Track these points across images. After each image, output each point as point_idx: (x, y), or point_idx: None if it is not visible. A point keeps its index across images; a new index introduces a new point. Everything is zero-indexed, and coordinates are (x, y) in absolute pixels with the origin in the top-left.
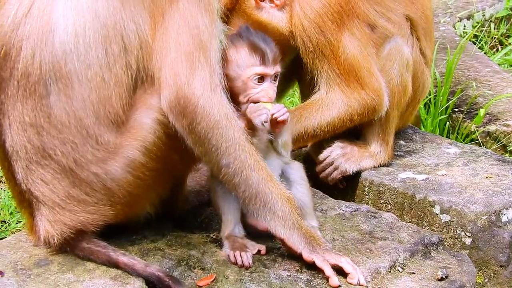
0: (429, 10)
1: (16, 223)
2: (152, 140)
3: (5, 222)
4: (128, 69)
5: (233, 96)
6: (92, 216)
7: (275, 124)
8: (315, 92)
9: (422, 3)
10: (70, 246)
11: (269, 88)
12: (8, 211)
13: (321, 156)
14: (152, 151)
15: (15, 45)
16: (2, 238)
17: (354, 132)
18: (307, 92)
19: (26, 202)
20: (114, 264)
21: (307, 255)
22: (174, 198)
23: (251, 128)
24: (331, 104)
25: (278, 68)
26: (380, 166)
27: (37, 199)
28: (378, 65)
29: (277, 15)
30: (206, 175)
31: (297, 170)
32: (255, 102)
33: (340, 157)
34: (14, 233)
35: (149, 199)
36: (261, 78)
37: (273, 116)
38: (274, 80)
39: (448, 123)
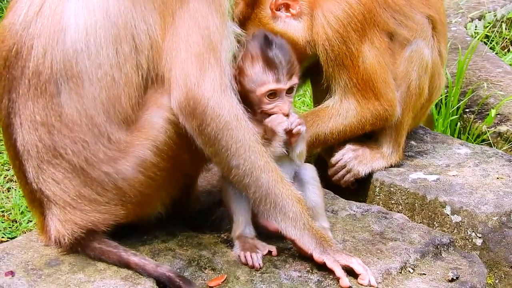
0: (443, 14)
1: (27, 223)
2: (163, 140)
3: (16, 221)
4: (139, 68)
5: (248, 102)
6: (103, 215)
7: (291, 135)
8: (329, 98)
9: (436, 7)
10: (81, 246)
11: (283, 104)
12: (19, 210)
13: (334, 160)
14: (163, 150)
15: (26, 43)
16: (13, 238)
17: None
18: (319, 97)
19: (37, 202)
20: (125, 264)
21: (318, 256)
22: (185, 197)
23: (269, 136)
24: (344, 113)
25: (293, 81)
26: (391, 166)
27: (48, 199)
28: (393, 74)
29: (293, 24)
30: (217, 175)
31: (310, 171)
32: (267, 114)
33: (353, 160)
34: (25, 232)
35: (160, 199)
36: (275, 94)
37: (289, 127)
38: (289, 93)
39: (459, 123)
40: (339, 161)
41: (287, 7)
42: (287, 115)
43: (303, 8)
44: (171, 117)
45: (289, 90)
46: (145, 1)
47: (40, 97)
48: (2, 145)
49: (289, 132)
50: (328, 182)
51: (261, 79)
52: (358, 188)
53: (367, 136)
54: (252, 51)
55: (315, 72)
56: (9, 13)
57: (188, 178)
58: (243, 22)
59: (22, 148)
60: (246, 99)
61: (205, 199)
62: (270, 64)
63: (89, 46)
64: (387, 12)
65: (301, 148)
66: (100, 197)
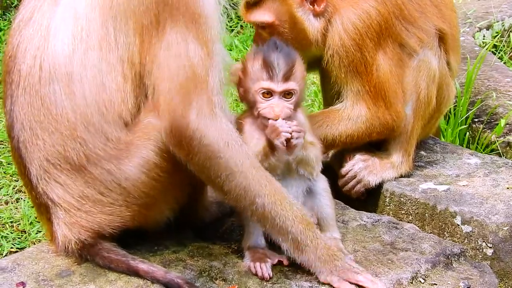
0: (456, 28)
1: (36, 233)
2: (157, 140)
3: (25, 232)
4: (127, 78)
5: (251, 108)
6: (109, 217)
7: (289, 147)
8: (340, 102)
9: (450, 20)
10: (90, 254)
11: (276, 105)
12: (28, 221)
13: (344, 170)
14: (165, 151)
15: (20, 47)
16: (22, 248)
17: (374, 142)
18: (330, 100)
19: (43, 207)
20: (134, 272)
21: (324, 278)
22: (193, 204)
23: (271, 147)
24: (354, 117)
25: (289, 85)
26: (401, 176)
27: (53, 202)
28: (402, 85)
29: (311, 19)
30: None
31: (321, 183)
32: (265, 118)
33: (363, 170)
34: (34, 243)
35: (166, 203)
36: (268, 93)
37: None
38: (287, 98)
39: (468, 133)
40: (349, 171)
41: (313, 1)
42: (277, 118)
43: (327, 10)
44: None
45: (287, 95)
46: (126, 24)
47: (35, 98)
48: (10, 156)
49: (287, 143)
50: (338, 192)
51: (257, 76)
52: (368, 198)
53: (377, 147)
54: (256, 53)
55: (325, 77)
56: (14, 19)
57: (194, 183)
58: None
59: (24, 150)
60: (249, 103)
61: (216, 209)
62: (267, 63)
63: (76, 50)
64: (402, 24)
65: (303, 155)
66: (104, 197)
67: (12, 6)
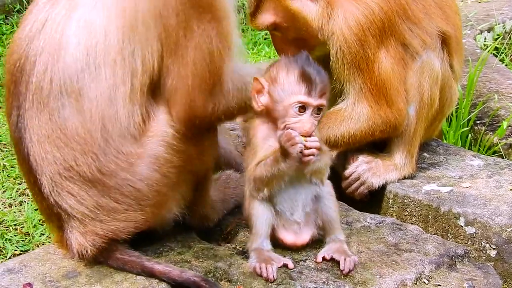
0: (459, 30)
1: (40, 236)
2: (171, 134)
3: (28, 234)
4: (136, 90)
5: (274, 118)
6: (123, 223)
7: (303, 161)
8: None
9: (454, 22)
10: (104, 257)
11: (308, 121)
12: (32, 223)
13: (347, 172)
14: (173, 145)
15: (29, 59)
16: (26, 251)
17: (377, 143)
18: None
19: (55, 216)
20: (149, 273)
21: None
22: (198, 202)
23: (284, 154)
24: (356, 117)
25: (323, 101)
26: (405, 178)
27: (66, 212)
28: (404, 85)
29: (309, 5)
30: (228, 184)
31: (325, 185)
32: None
33: (366, 172)
34: (38, 245)
35: (174, 199)
36: (303, 107)
37: (305, 145)
38: (317, 114)
39: (470, 135)
40: (352, 173)
41: None
42: (307, 135)
43: None
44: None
45: (318, 111)
46: (147, 31)
47: (43, 111)
48: (14, 159)
49: (302, 156)
50: (342, 194)
51: (293, 88)
52: (372, 200)
53: (380, 148)
54: (290, 65)
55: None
56: (20, 27)
57: (198, 179)
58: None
59: (35, 163)
60: (273, 113)
61: (221, 207)
62: (305, 76)
63: (89, 65)
64: (406, 24)
65: (317, 166)
66: (118, 204)
67: (14, 10)
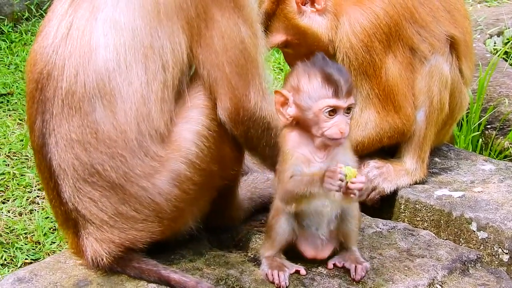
0: (469, 34)
1: (50, 244)
2: (194, 152)
3: (39, 243)
4: (167, 85)
5: (306, 126)
6: (140, 233)
7: (346, 193)
8: None
9: (463, 26)
10: (120, 266)
11: (341, 122)
12: (42, 232)
13: None
14: (195, 163)
15: (57, 65)
16: (37, 259)
17: (386, 149)
18: None
19: (72, 222)
20: (166, 282)
21: None
22: (224, 204)
23: (322, 182)
24: (363, 124)
25: (351, 100)
26: (416, 183)
27: (84, 218)
28: (413, 90)
29: (318, 20)
30: (256, 185)
31: (352, 207)
32: (330, 139)
33: (377, 177)
34: (49, 254)
35: (192, 214)
36: (333, 110)
37: (347, 187)
38: (347, 113)
39: (481, 139)
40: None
41: (312, 2)
42: (343, 136)
43: (328, 4)
44: (199, 129)
45: (347, 110)
46: (172, 24)
47: (74, 115)
48: (24, 167)
49: (345, 189)
50: None
51: (319, 93)
52: (383, 206)
53: (391, 154)
54: (309, 70)
55: None
56: (39, 37)
57: (223, 190)
58: (268, 18)
59: (58, 167)
60: (304, 122)
61: (248, 205)
62: (329, 79)
63: (120, 65)
64: (413, 27)
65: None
66: (137, 214)
67: (23, 18)
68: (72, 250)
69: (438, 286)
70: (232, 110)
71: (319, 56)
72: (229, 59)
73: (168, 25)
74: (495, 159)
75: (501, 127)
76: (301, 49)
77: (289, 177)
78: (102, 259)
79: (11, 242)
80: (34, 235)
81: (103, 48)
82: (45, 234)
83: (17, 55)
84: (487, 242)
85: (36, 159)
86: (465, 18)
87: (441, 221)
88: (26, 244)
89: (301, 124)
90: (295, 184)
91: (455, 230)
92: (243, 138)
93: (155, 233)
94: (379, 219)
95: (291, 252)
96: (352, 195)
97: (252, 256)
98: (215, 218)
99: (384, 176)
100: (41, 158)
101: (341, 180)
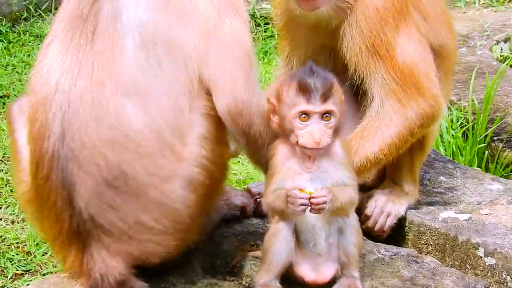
0: (453, 55)
1: (42, 255)
2: (202, 154)
3: (30, 253)
4: (192, 79)
5: (287, 136)
6: (157, 246)
7: (314, 209)
8: (369, 108)
9: (453, 41)
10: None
11: (316, 131)
12: (34, 242)
13: (368, 211)
14: (206, 166)
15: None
16: (27, 271)
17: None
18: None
19: (80, 236)
20: None
21: None
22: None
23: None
24: (388, 120)
25: (328, 106)
26: (419, 203)
27: (101, 228)
28: (435, 71)
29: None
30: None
31: (350, 218)
32: (305, 148)
33: (387, 203)
34: (40, 266)
35: (199, 225)
36: (306, 116)
37: (311, 202)
38: (326, 120)
39: (487, 152)
40: (374, 208)
41: None
42: (317, 146)
43: None
44: (201, 131)
45: (326, 117)
46: (191, 22)
47: (100, 116)
48: None
49: (312, 204)
50: None
51: (292, 101)
52: None
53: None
54: (291, 79)
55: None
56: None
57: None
58: None
59: (76, 171)
60: (285, 132)
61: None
62: (303, 87)
63: (148, 60)
64: (417, 15)
65: (336, 206)
66: (156, 224)
67: (21, 18)
68: (70, 271)
69: None
70: (233, 104)
71: (307, 66)
72: (233, 57)
73: (188, 24)
74: (501, 172)
75: (508, 139)
76: None
77: (272, 191)
78: (112, 275)
79: (2, 252)
80: (26, 245)
81: (131, 47)
82: (37, 244)
83: (14, 56)
84: (494, 269)
85: (38, 169)
86: (452, 34)
87: (447, 245)
88: (17, 254)
89: (284, 134)
90: (275, 199)
91: (461, 255)
92: (244, 135)
93: (170, 247)
94: (382, 244)
95: (288, 281)
96: (318, 208)
97: (246, 284)
98: None
99: (392, 199)
100: (49, 168)
101: (303, 204)
